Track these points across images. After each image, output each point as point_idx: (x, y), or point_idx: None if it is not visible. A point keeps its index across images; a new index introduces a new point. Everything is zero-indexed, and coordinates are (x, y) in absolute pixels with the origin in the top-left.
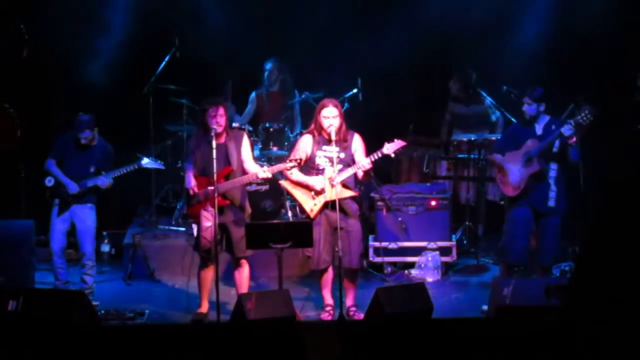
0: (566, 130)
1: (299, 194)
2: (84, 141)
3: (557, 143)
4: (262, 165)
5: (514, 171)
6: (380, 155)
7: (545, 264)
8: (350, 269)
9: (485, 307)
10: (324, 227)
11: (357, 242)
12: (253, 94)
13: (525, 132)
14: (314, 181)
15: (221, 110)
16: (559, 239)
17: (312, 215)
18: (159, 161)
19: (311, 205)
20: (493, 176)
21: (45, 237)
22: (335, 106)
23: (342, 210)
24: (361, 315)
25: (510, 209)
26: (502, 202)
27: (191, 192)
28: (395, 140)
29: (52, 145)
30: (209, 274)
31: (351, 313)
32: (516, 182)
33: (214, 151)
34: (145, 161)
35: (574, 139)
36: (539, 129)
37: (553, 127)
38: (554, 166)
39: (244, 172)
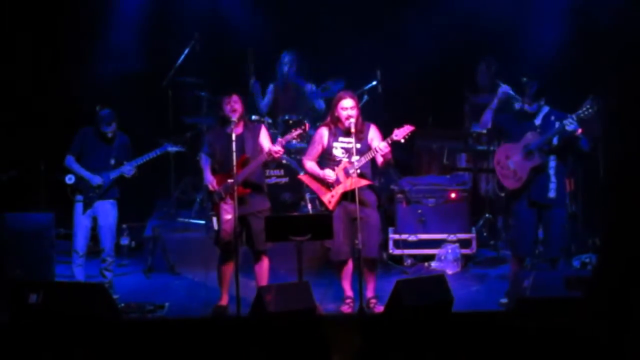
0: (569, 125)
1: (317, 187)
2: (110, 135)
3: (557, 135)
4: (280, 158)
5: (515, 157)
6: (389, 141)
7: (553, 256)
8: (370, 259)
9: (503, 300)
10: (343, 218)
11: (375, 232)
12: (271, 86)
13: (525, 124)
14: (327, 174)
15: (235, 97)
16: (565, 229)
17: (330, 207)
18: (180, 145)
19: (328, 197)
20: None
21: (65, 230)
22: (352, 98)
23: (360, 201)
24: (381, 308)
25: (512, 203)
26: (502, 194)
27: (210, 188)
28: (405, 125)
29: (70, 141)
30: (229, 266)
31: (371, 305)
32: (514, 166)
33: (233, 143)
34: (168, 146)
35: (580, 130)
36: (538, 120)
37: (552, 118)
38: (553, 158)
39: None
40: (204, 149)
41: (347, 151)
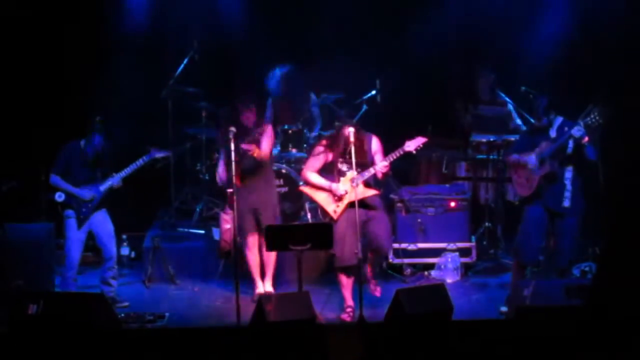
0: (576, 131)
1: (320, 197)
2: (93, 150)
3: (570, 144)
4: (280, 168)
5: (532, 158)
6: (402, 152)
7: (561, 266)
8: (381, 251)
9: (503, 309)
10: (349, 224)
11: (385, 227)
12: (269, 100)
13: (539, 135)
14: (336, 187)
15: (254, 110)
16: (576, 239)
17: (335, 217)
18: (166, 150)
19: (334, 207)
20: (510, 177)
21: (64, 241)
22: (355, 131)
23: (366, 205)
24: (379, 290)
25: (524, 209)
26: (517, 203)
27: (218, 181)
28: (416, 137)
29: (55, 159)
30: (254, 251)
31: (372, 288)
32: (533, 164)
33: (232, 153)
34: (155, 152)
35: (586, 139)
36: (552, 132)
37: (566, 128)
38: (569, 168)
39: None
40: (220, 152)
41: (351, 164)
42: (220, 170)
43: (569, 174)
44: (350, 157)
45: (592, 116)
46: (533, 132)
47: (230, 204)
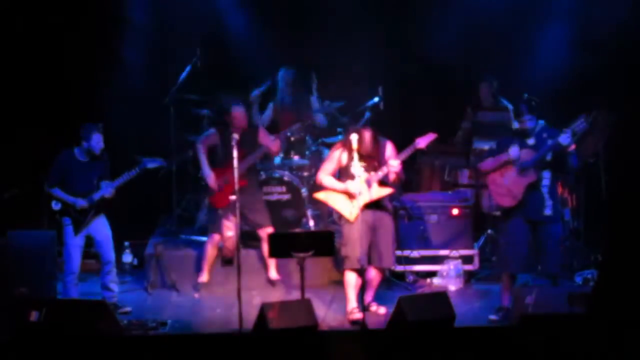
0: (564, 139)
1: (336, 201)
2: (98, 152)
3: (550, 153)
4: (282, 175)
5: (514, 150)
6: (413, 150)
7: (552, 272)
8: (385, 269)
9: (493, 317)
10: (363, 227)
11: (392, 241)
12: (271, 104)
13: (517, 142)
14: (350, 185)
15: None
16: (560, 245)
17: (352, 218)
18: (159, 159)
19: (350, 208)
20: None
21: (63, 248)
22: (365, 133)
23: (379, 206)
24: (384, 309)
25: (505, 221)
26: (497, 213)
27: (209, 181)
28: (427, 133)
29: (51, 169)
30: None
31: (373, 308)
32: (516, 155)
33: (235, 160)
34: (147, 162)
35: (573, 146)
36: (531, 140)
37: (545, 135)
38: (547, 175)
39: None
40: (202, 139)
41: (366, 168)
42: (207, 169)
43: (546, 181)
44: (364, 161)
45: (579, 122)
46: (510, 139)
47: (212, 201)
